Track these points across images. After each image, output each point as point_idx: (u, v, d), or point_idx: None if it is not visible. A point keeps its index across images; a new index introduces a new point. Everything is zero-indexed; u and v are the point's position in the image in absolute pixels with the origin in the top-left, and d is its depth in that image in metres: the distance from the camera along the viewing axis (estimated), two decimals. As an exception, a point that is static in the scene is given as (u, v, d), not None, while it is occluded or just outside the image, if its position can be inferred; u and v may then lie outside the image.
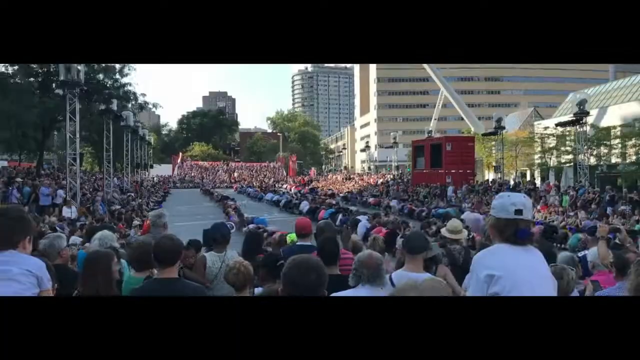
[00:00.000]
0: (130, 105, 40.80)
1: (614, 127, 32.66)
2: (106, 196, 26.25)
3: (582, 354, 1.76)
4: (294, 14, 2.26)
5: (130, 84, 41.44)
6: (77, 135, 22.23)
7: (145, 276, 4.18)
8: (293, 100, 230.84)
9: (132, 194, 31.80)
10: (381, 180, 47.63)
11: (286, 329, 1.67)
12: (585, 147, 30.45)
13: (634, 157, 30.83)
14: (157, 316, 1.86)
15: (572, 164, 33.07)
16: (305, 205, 26.53)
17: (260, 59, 2.39)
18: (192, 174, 68.13)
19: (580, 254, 5.53)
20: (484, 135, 43.90)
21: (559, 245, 14.66)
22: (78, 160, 22.95)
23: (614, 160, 33.56)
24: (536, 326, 1.82)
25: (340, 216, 19.57)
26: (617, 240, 6.91)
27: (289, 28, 2.28)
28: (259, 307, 1.79)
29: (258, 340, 1.67)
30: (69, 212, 18.32)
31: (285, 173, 69.41)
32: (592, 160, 32.58)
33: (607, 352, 1.76)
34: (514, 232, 2.53)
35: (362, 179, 53.45)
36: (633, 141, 30.71)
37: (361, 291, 3.27)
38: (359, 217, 16.97)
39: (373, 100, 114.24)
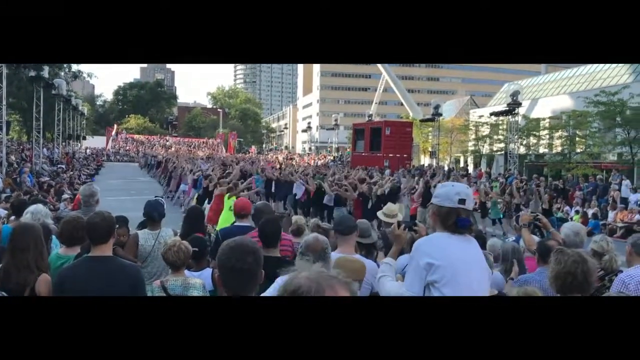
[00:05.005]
0: (63, 74, 38.89)
1: (543, 119, 34.17)
2: (35, 167, 25.04)
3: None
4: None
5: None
6: (4, 102, 21.04)
7: (75, 253, 4.00)
8: (235, 76, 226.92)
9: (63, 166, 30.46)
10: (321, 161, 47.90)
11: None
12: (516, 136, 31.79)
13: (559, 148, 32.50)
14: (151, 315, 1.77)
15: (503, 152, 34.45)
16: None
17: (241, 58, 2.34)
18: (127, 147, 65.88)
19: (510, 239, 5.84)
20: (421, 121, 44.86)
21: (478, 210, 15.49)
22: (4, 129, 21.73)
23: (541, 150, 35.15)
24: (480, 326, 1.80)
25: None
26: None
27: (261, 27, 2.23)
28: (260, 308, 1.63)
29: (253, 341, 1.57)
30: (-7, 183, 17.38)
31: (224, 150, 68.36)
32: (522, 150, 34.10)
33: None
34: (455, 220, 2.61)
35: (303, 160, 53.54)
36: (560, 133, 32.32)
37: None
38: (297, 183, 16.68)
39: (316, 80, 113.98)
